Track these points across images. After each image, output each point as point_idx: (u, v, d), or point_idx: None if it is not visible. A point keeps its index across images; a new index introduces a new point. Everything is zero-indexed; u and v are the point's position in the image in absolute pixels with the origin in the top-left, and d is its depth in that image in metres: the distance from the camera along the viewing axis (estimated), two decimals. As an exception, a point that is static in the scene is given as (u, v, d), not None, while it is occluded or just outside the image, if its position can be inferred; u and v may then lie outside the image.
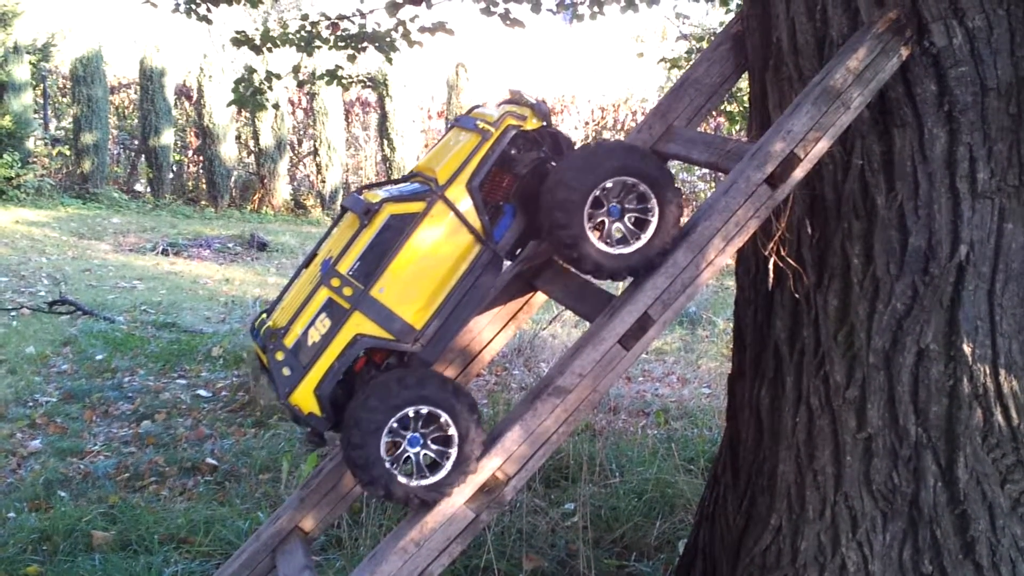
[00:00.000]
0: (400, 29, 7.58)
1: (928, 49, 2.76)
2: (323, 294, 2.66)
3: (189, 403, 6.90)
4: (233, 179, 20.53)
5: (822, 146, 2.73)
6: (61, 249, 13.74)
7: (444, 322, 2.75)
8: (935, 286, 2.84)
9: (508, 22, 7.34)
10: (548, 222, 2.70)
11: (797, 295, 3.15)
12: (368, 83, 9.04)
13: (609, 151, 2.72)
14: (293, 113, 21.53)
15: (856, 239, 2.97)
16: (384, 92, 20.67)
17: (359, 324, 2.64)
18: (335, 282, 2.64)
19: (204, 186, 20.56)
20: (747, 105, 3.75)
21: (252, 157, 21.07)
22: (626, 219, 2.72)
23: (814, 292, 3.10)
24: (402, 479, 2.62)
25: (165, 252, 14.17)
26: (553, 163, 2.83)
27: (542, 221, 2.74)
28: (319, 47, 7.86)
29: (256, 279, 12.57)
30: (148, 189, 20.36)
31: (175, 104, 20.67)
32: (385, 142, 21.08)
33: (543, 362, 8.00)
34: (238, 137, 21.01)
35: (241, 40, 7.78)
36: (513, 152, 2.80)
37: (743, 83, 4.64)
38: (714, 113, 9.78)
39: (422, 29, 7.54)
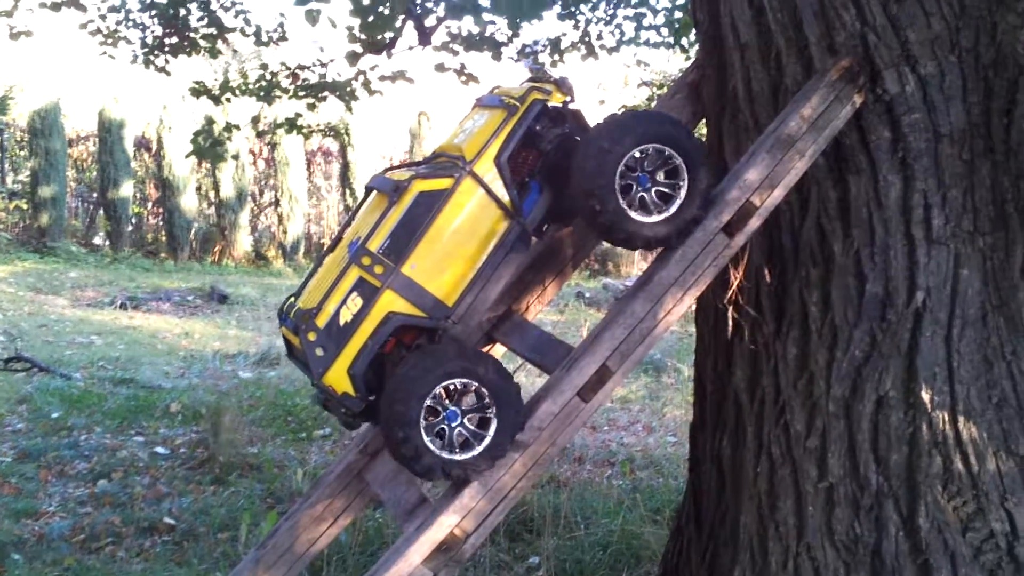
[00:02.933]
0: (360, 78, 7.60)
1: (881, 96, 2.77)
2: (354, 273, 2.63)
3: (147, 461, 6.76)
4: (193, 231, 20.40)
5: (778, 194, 2.73)
6: (17, 304, 13.55)
7: (475, 299, 2.74)
8: (893, 333, 2.83)
9: (463, 77, 7.37)
10: (579, 188, 2.67)
11: (756, 344, 3.13)
12: (328, 132, 9.02)
13: (642, 117, 2.71)
14: (254, 163, 21.47)
15: (814, 286, 2.97)
16: (346, 141, 20.70)
17: (391, 302, 2.63)
18: (366, 260, 2.62)
19: (164, 238, 20.40)
20: (704, 153, 3.75)
21: (213, 208, 20.95)
22: (654, 191, 2.71)
23: (773, 340, 3.08)
24: (439, 451, 2.58)
25: (124, 306, 13.99)
26: (578, 138, 2.82)
27: (573, 189, 2.71)
28: (279, 97, 7.87)
29: (216, 332, 12.44)
30: (107, 242, 20.16)
31: (134, 156, 20.54)
32: (347, 191, 21.07)
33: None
34: (198, 188, 20.91)
35: (200, 91, 7.77)
36: (538, 128, 2.80)
37: (702, 128, 4.67)
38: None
39: (382, 78, 7.57)
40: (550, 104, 2.81)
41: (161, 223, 20.59)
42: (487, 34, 7.28)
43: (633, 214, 2.68)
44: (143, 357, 10.46)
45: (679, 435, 7.64)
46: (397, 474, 3.10)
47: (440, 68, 7.37)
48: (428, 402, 2.55)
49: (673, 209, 2.70)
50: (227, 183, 20.12)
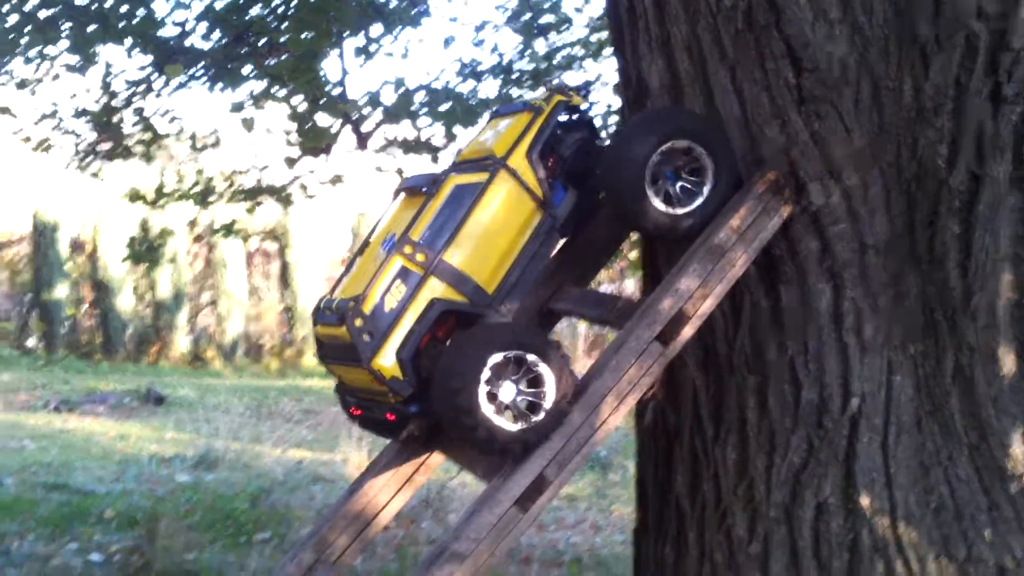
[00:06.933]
0: (297, 182, 7.61)
1: (807, 208, 2.83)
2: (395, 261, 2.70)
3: (81, 569, 6.58)
4: (129, 332, 20.12)
5: (710, 303, 2.77)
6: (-54, 410, 13.23)
7: (510, 292, 2.84)
8: (830, 439, 2.85)
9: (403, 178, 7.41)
10: (608, 184, 2.84)
11: (696, 449, 3.14)
12: (267, 236, 9.03)
13: (664, 114, 2.89)
14: (192, 264, 21.33)
15: (750, 393, 2.99)
16: (285, 241, 20.65)
17: (434, 288, 2.71)
18: (408, 249, 2.70)
19: (99, 340, 20.08)
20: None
21: (149, 309, 20.71)
22: (679, 186, 2.83)
23: (712, 446, 3.09)
24: (496, 421, 2.60)
25: (57, 409, 13.69)
26: (597, 143, 2.98)
27: (603, 185, 2.88)
28: (214, 201, 7.85)
29: (153, 435, 12.20)
30: (40, 344, 19.82)
31: (69, 257, 20.32)
32: (286, 291, 20.97)
33: (452, 512, 7.83)
34: (135, 289, 20.65)
35: (135, 196, 7.73)
36: (559, 132, 2.93)
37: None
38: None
39: (320, 182, 7.58)
40: (573, 104, 2.97)
41: (96, 324, 20.30)
42: (424, 139, 7.34)
43: (661, 206, 2.80)
44: (77, 461, 10.22)
45: (626, 533, 7.56)
46: (334, 593, 3.04)
47: (380, 170, 7.42)
48: (486, 372, 2.59)
49: (698, 202, 2.83)
50: (164, 283, 19.94)
